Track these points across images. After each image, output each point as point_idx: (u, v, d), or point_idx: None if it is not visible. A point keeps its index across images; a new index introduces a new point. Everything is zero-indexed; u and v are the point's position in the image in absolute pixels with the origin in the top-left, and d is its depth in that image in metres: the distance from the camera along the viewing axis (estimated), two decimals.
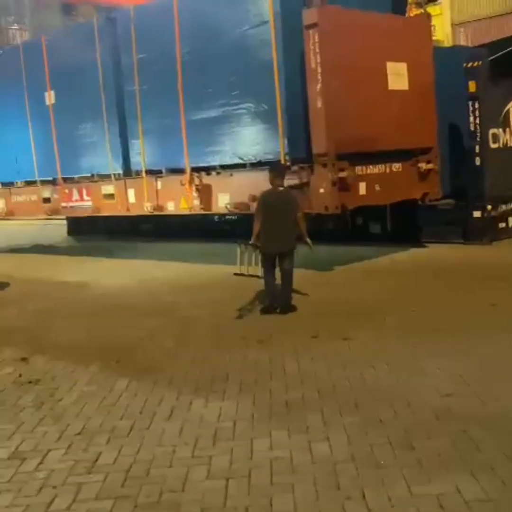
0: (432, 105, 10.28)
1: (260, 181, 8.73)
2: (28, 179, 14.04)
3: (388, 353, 5.93)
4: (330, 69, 8.94)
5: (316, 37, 8.83)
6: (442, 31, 24.82)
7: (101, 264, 12.80)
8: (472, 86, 10.73)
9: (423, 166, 10.20)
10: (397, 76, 9.84)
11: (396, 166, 10.01)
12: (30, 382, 5.95)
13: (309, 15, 8.92)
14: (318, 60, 8.87)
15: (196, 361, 6.15)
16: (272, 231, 7.60)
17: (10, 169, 14.20)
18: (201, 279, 10.25)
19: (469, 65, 10.77)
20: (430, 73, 10.23)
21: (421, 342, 6.19)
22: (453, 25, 27.44)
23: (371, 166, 9.61)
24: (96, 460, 4.33)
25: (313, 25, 8.86)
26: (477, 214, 10.85)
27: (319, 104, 8.95)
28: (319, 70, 8.89)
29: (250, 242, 8.01)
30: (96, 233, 15.84)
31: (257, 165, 9.89)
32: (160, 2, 11.48)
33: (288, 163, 9.36)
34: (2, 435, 4.86)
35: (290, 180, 9.15)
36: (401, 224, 11.45)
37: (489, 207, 10.84)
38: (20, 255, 15.18)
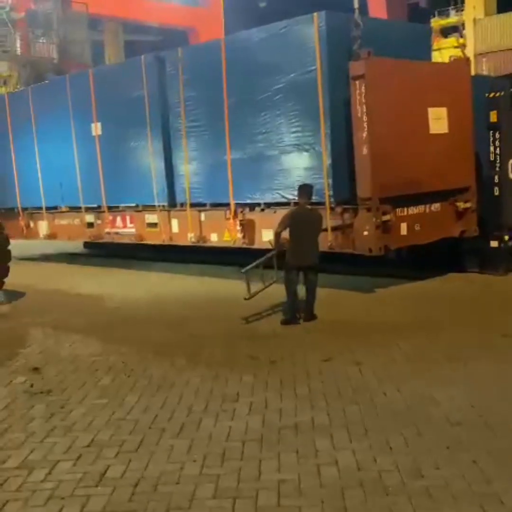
0: (470, 146, 10.55)
1: None
2: (72, 205, 14.30)
3: (399, 379, 5.91)
4: (375, 117, 9.23)
5: (363, 87, 9.15)
6: None
7: (117, 276, 12.87)
8: (493, 116, 10.73)
9: (461, 205, 10.43)
10: (438, 121, 10.13)
11: (435, 206, 10.28)
12: (41, 393, 6.00)
13: (356, 67, 9.22)
14: (364, 109, 9.17)
15: (207, 379, 6.16)
16: (301, 245, 8.24)
17: (54, 194, 14.48)
18: (215, 295, 10.28)
19: (491, 95, 10.77)
20: (469, 115, 10.49)
21: (433, 369, 6.17)
22: (476, 55, 27.56)
23: (412, 207, 9.90)
24: (104, 473, 4.35)
25: (360, 76, 9.17)
26: (494, 244, 10.78)
27: (365, 150, 9.22)
28: (365, 118, 9.19)
29: (272, 248, 8.65)
30: (112, 245, 15.93)
31: None
32: (208, 45, 12.36)
33: (332, 204, 9.70)
34: (12, 444, 4.90)
35: (333, 221, 9.66)
36: (417, 251, 11.41)
37: (506, 237, 10.78)
38: (36, 264, 15.31)
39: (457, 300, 9.23)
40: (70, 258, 15.86)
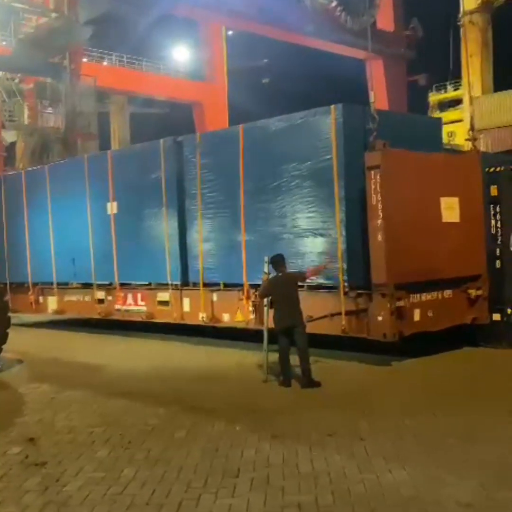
0: (481, 234, 10.72)
1: (317, 302, 9.94)
2: (84, 282, 14.40)
3: (406, 457, 5.73)
4: (390, 206, 9.47)
5: (378, 177, 9.43)
6: (462, 137, 25.52)
7: (118, 345, 12.75)
8: (493, 190, 10.86)
9: (473, 292, 10.55)
10: (450, 210, 10.39)
11: (448, 293, 10.38)
12: (36, 465, 5.84)
13: (372, 158, 9.53)
14: (379, 198, 9.43)
15: (207, 454, 5.99)
16: (281, 307, 8.62)
17: (66, 270, 14.60)
18: (216, 367, 10.14)
19: (491, 170, 10.94)
20: (479, 205, 10.70)
21: (440, 448, 5.99)
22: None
23: (425, 294, 10.01)
24: None
25: (375, 167, 9.47)
26: (496, 317, 10.72)
27: (380, 238, 9.43)
28: (380, 207, 9.43)
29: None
30: None
31: (315, 288, 10.22)
32: (227, 131, 12.97)
33: (346, 289, 9.85)
34: None
35: (347, 306, 9.80)
36: None
37: (509, 310, 10.72)
38: (36, 330, 15.21)
39: (461, 375, 9.09)
40: (71, 324, 15.73)
